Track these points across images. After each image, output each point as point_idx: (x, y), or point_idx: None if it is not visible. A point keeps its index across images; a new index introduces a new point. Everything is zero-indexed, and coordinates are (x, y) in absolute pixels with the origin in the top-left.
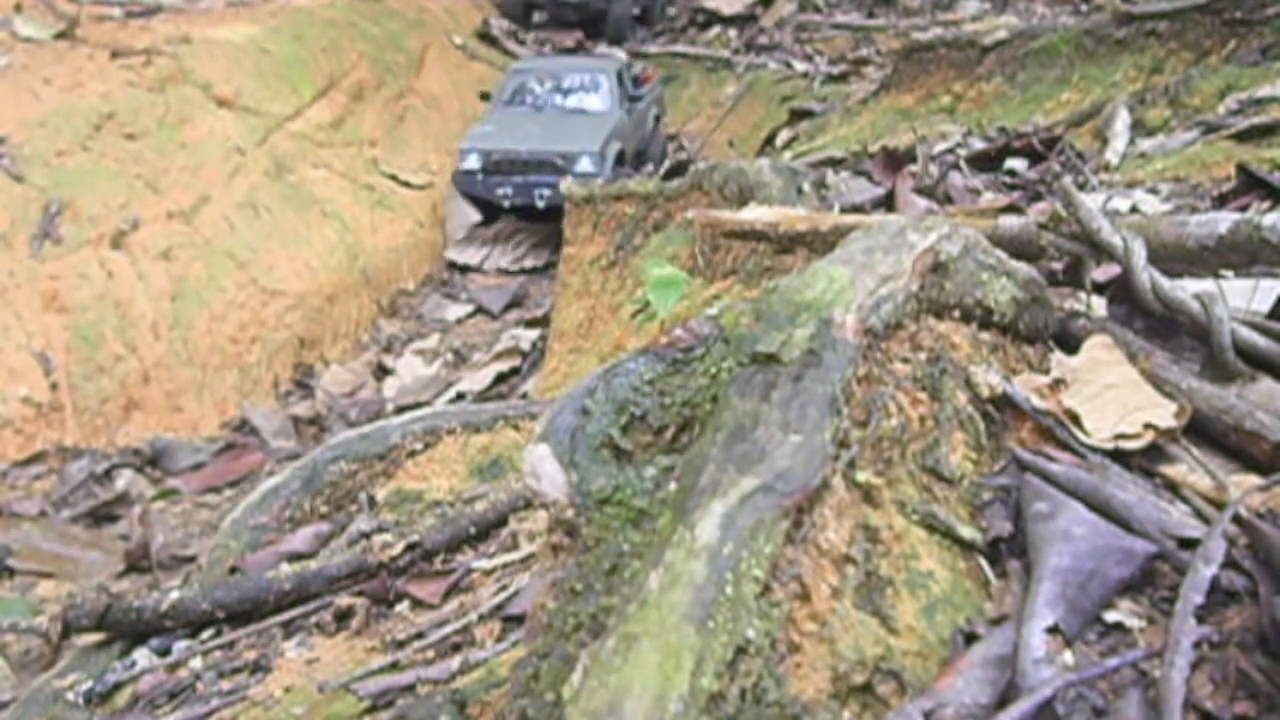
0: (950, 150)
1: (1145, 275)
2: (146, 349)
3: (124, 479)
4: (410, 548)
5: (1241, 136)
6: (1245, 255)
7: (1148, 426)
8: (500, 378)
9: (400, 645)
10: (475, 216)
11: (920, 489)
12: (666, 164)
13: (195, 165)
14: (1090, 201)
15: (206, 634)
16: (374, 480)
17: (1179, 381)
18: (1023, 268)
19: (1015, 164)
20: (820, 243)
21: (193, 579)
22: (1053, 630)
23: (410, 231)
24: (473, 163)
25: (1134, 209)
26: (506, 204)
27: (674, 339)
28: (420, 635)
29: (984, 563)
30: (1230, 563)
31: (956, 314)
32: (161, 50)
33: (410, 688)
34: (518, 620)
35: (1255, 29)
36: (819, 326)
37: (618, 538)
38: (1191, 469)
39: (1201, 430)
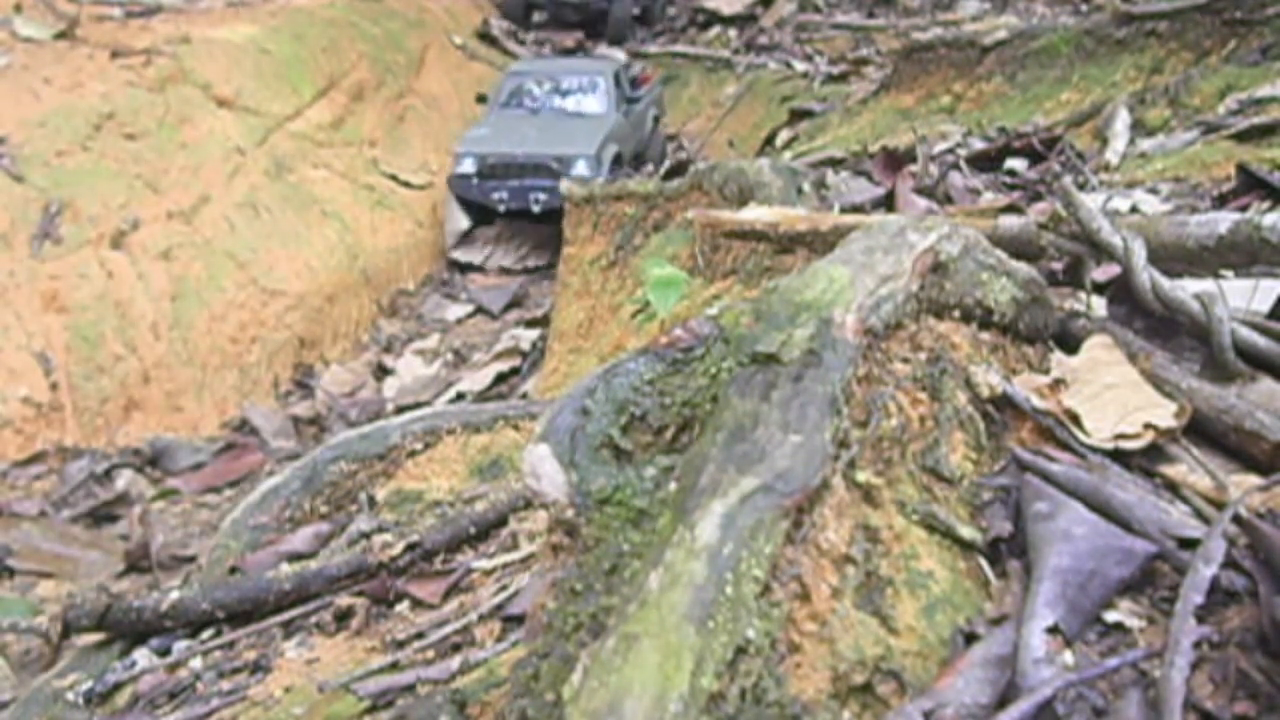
0: (950, 150)
1: (1145, 275)
2: (146, 349)
3: (124, 479)
4: (410, 548)
5: (1241, 136)
6: (1245, 255)
7: (1148, 426)
8: (500, 378)
9: (400, 645)
10: (465, 223)
11: (920, 489)
12: (666, 165)
13: (195, 165)
14: (1090, 201)
15: (206, 634)
16: (374, 480)
17: (1179, 381)
18: (1023, 268)
19: (1015, 164)
20: (820, 243)
21: (193, 579)
22: (1053, 630)
23: (410, 231)
24: (468, 166)
25: (1134, 209)
26: (502, 208)
27: (674, 339)
28: (420, 635)
29: (984, 563)
30: (1230, 563)
31: (956, 314)
32: (161, 50)
33: (410, 688)
34: (518, 620)
35: (1255, 29)
36: (819, 326)
37: (618, 538)
38: (1191, 469)
39: (1201, 430)
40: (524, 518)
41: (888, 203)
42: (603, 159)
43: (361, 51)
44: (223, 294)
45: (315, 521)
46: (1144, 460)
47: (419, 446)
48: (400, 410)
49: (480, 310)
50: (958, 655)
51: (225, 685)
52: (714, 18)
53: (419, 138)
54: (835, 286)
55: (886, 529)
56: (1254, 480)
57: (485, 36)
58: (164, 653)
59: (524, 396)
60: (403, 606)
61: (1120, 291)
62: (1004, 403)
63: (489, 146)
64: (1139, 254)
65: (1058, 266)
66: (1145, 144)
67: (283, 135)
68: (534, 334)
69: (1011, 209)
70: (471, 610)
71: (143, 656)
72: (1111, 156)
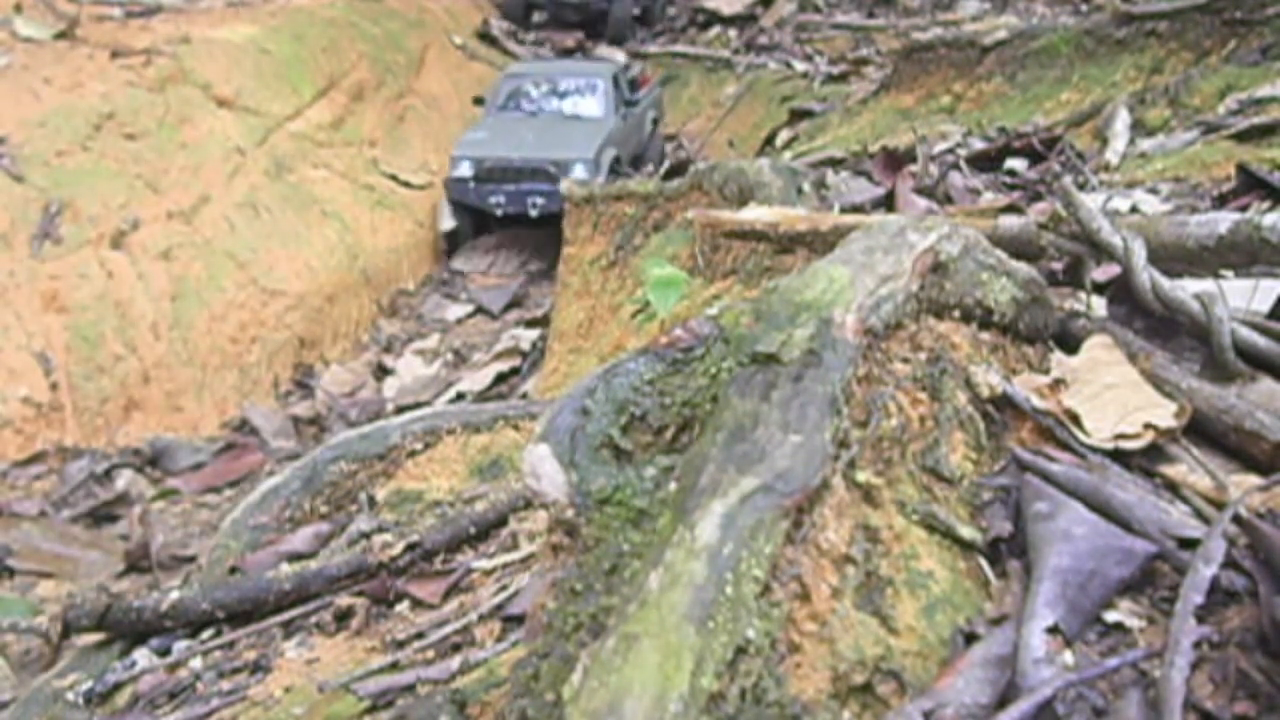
0: (950, 150)
1: (1145, 275)
2: (146, 349)
3: (124, 479)
4: (410, 548)
5: (1241, 136)
6: (1245, 255)
7: (1148, 426)
8: (500, 378)
9: (400, 645)
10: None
11: (920, 489)
12: (666, 166)
13: (195, 165)
14: (1090, 201)
15: (206, 634)
16: (374, 480)
17: (1179, 381)
18: (1023, 268)
19: (1015, 164)
20: (820, 243)
21: (193, 579)
22: (1053, 630)
23: (410, 231)
24: (465, 170)
25: (1134, 209)
26: (499, 212)
27: (674, 339)
28: (420, 635)
29: (984, 563)
30: (1230, 563)
31: (956, 314)
32: (161, 50)
33: (410, 688)
34: (518, 620)
35: (1255, 29)
36: (819, 326)
37: (618, 538)
38: (1191, 469)
39: (1201, 430)
40: (524, 518)
41: (888, 203)
42: (601, 163)
43: (361, 51)
44: (223, 294)
45: (315, 521)
46: (1144, 460)
47: (419, 446)
48: (400, 410)
49: (480, 310)
50: (958, 655)
51: (225, 685)
52: (714, 18)
53: (419, 138)
54: (835, 286)
55: (886, 529)
56: (1254, 480)
57: (485, 36)
58: (164, 653)
59: (524, 396)
60: (403, 606)
61: (1120, 291)
62: (1004, 403)
63: (486, 150)
64: (1139, 254)
65: (1058, 266)
66: (1145, 144)
67: (283, 135)
68: (534, 334)
69: (1011, 209)
70: (471, 610)
71: (143, 656)
72: (1111, 156)
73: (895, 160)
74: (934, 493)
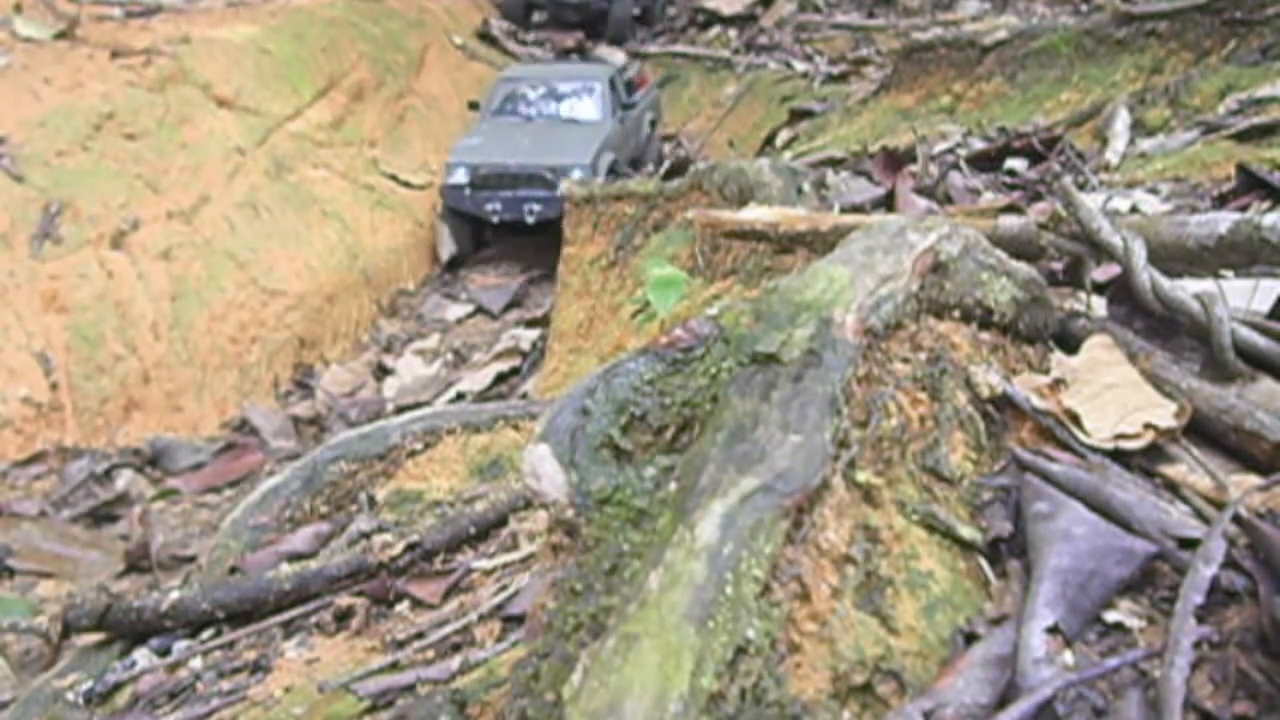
0: (950, 150)
1: (1145, 275)
2: (146, 349)
3: (124, 479)
4: (410, 548)
5: (1241, 136)
6: (1245, 255)
7: (1148, 426)
8: (500, 378)
9: (400, 645)
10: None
11: (920, 489)
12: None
13: (195, 165)
14: (1090, 201)
15: (206, 634)
16: (374, 480)
17: (1179, 381)
18: (1023, 268)
19: (1015, 164)
20: (820, 243)
21: (193, 579)
22: (1053, 630)
23: (410, 231)
24: (460, 177)
25: (1134, 209)
26: (495, 219)
27: (674, 339)
28: (420, 635)
29: (984, 563)
30: (1230, 563)
31: (956, 314)
32: (161, 50)
33: (410, 688)
34: (518, 620)
35: (1255, 29)
36: (819, 326)
37: (618, 538)
38: (1191, 469)
39: (1201, 430)
40: (524, 518)
41: (888, 203)
42: (598, 167)
43: (361, 51)
44: (223, 294)
45: (315, 521)
46: (1144, 460)
47: (419, 446)
48: (400, 410)
49: (480, 310)
50: (958, 655)
51: (225, 685)
52: (714, 18)
53: (419, 138)
54: (835, 286)
55: (886, 529)
56: (1254, 480)
57: (485, 36)
58: (164, 653)
59: (524, 396)
60: (403, 606)
61: (1120, 291)
62: (1004, 403)
63: (481, 156)
64: (1139, 254)
65: (1058, 266)
66: (1145, 144)
67: (283, 135)
68: (534, 334)
69: (1011, 209)
70: (471, 610)
71: (143, 656)
72: (1111, 156)
73: (895, 160)
74: (934, 493)
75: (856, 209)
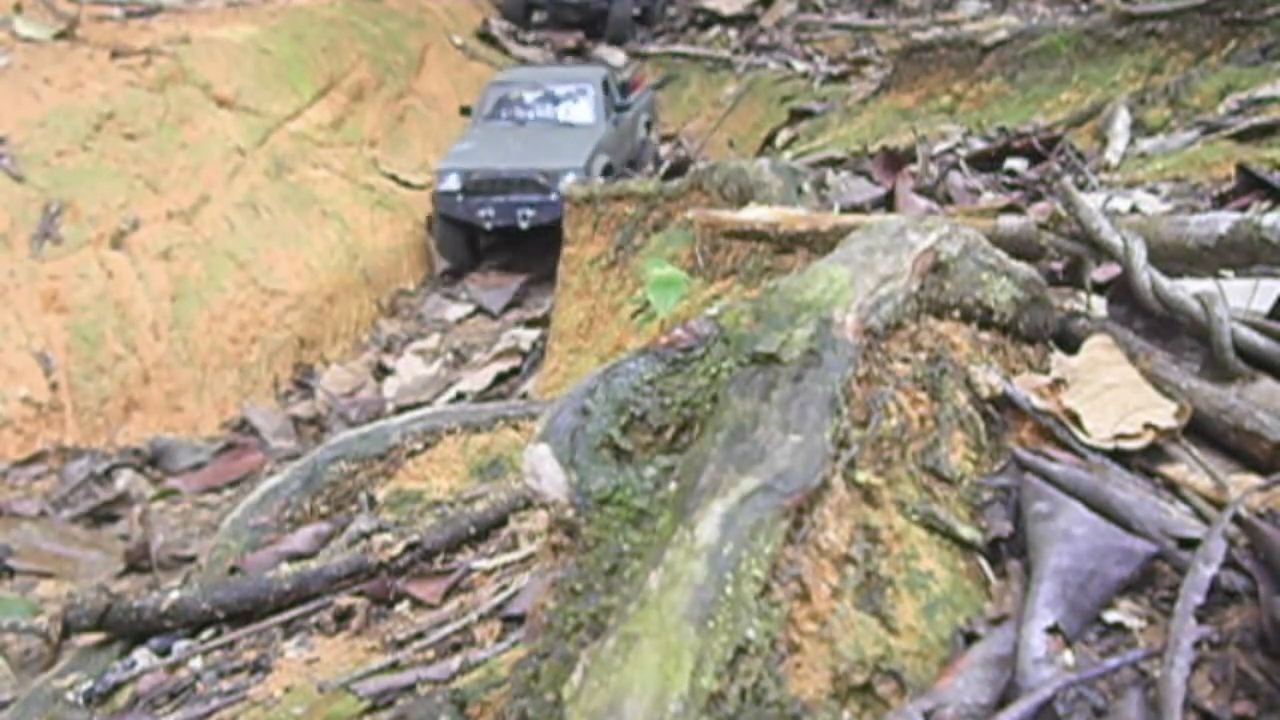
0: (950, 150)
1: (1145, 275)
2: (146, 349)
3: (124, 479)
4: (410, 548)
5: (1241, 136)
6: (1245, 255)
7: (1148, 426)
8: (500, 378)
9: (400, 645)
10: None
11: (920, 489)
12: (665, 167)
13: (195, 165)
14: (1090, 201)
15: (206, 634)
16: (374, 480)
17: (1179, 381)
18: (1023, 268)
19: (1015, 164)
20: (820, 243)
21: (193, 579)
22: (1053, 630)
23: (410, 231)
24: (452, 183)
25: (1134, 209)
26: (488, 225)
27: (674, 339)
28: (420, 635)
29: (984, 563)
30: (1230, 563)
31: (956, 314)
32: (161, 50)
33: (410, 688)
34: (518, 620)
35: (1255, 29)
36: (819, 326)
37: (618, 538)
38: (1191, 469)
39: (1201, 430)
40: (524, 518)
41: (888, 203)
42: (592, 170)
43: (361, 51)
44: (223, 294)
45: (315, 521)
46: (1144, 460)
47: (419, 446)
48: (400, 410)
49: (480, 310)
50: (958, 655)
51: (225, 685)
52: (714, 18)
53: (419, 138)
54: (835, 286)
55: (886, 529)
56: (1254, 480)
57: (485, 36)
58: (164, 653)
59: (524, 396)
60: (403, 606)
61: (1120, 291)
62: (1004, 403)
63: (473, 162)
64: (1139, 254)
65: (1058, 266)
66: (1145, 144)
67: (283, 135)
68: (534, 334)
69: (1011, 209)
70: (471, 610)
71: (143, 656)
72: (1111, 156)
73: (895, 160)
74: (934, 493)
75: (856, 209)
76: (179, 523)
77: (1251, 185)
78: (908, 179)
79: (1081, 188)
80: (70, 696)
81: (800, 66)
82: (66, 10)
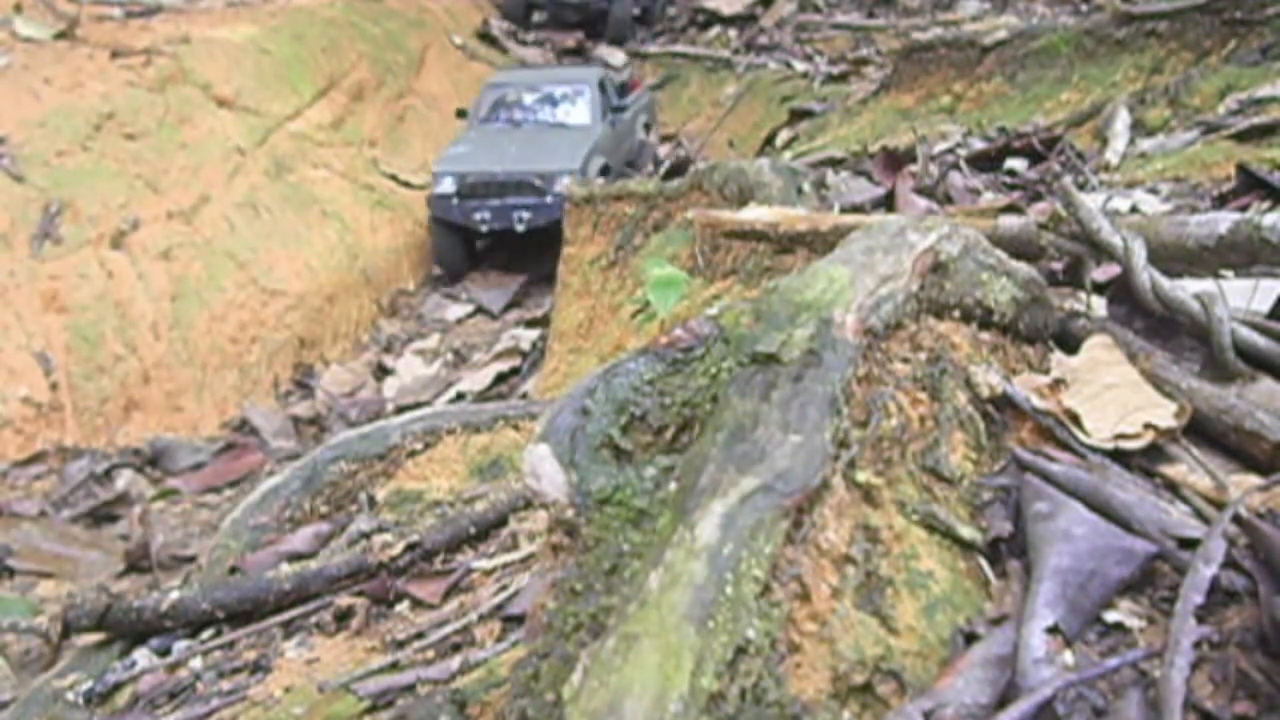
0: (950, 150)
1: (1145, 275)
2: (146, 349)
3: (124, 479)
4: (410, 548)
5: (1241, 136)
6: (1245, 255)
7: (1148, 426)
8: (500, 378)
9: (400, 645)
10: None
11: (920, 489)
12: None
13: (195, 165)
14: (1090, 201)
15: (206, 634)
16: (374, 480)
17: (1179, 381)
18: (1023, 268)
19: (1015, 164)
20: (820, 243)
21: (193, 579)
22: (1053, 630)
23: (410, 231)
24: (447, 186)
25: (1134, 209)
26: (484, 229)
27: (674, 339)
28: (420, 635)
29: (984, 563)
30: (1230, 563)
31: (956, 314)
32: (161, 50)
33: (410, 688)
34: (518, 620)
35: (1255, 29)
36: (819, 326)
37: (618, 538)
38: (1191, 469)
39: (1201, 430)
40: (524, 518)
41: (888, 203)
42: (588, 172)
43: (361, 51)
44: (223, 294)
45: (315, 521)
46: (1144, 460)
47: (419, 446)
48: (400, 410)
49: (480, 310)
50: (958, 655)
51: (225, 685)
52: (714, 18)
53: (419, 138)
54: (835, 286)
55: (886, 529)
56: (1254, 480)
57: (485, 36)
58: (164, 653)
59: (524, 396)
60: (403, 606)
61: (1120, 291)
62: (1004, 403)
63: (468, 165)
64: (1139, 254)
65: (1058, 266)
66: (1145, 144)
67: (283, 135)
68: (534, 334)
69: (1011, 209)
70: (471, 610)
71: (143, 656)
72: (1111, 156)
73: (895, 160)
74: (934, 493)
75: (856, 209)
76: (179, 523)
77: (1251, 185)
78: (908, 179)
79: (1081, 188)
80: (70, 696)
81: (800, 66)
82: (66, 10)
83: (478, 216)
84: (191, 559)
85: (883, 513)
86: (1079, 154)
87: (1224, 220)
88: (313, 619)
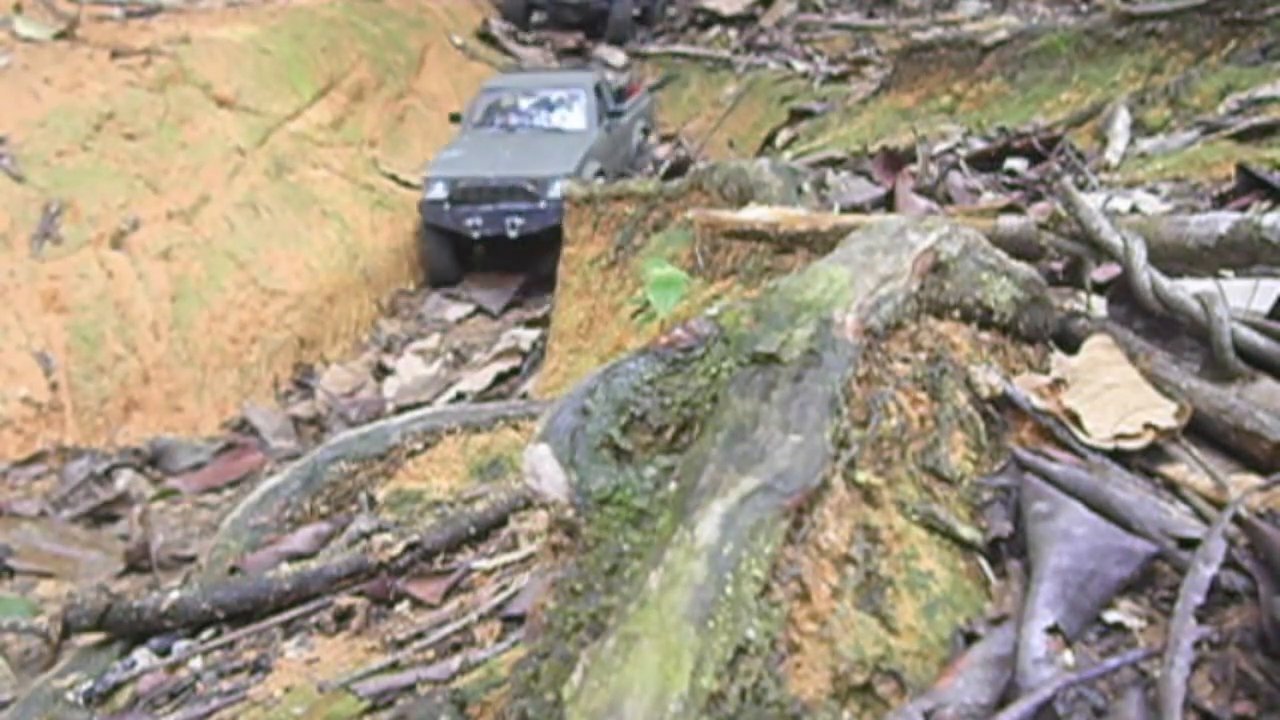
0: (950, 150)
1: (1145, 275)
2: (146, 349)
3: (124, 479)
4: (410, 548)
5: (1241, 136)
6: (1245, 255)
7: (1148, 426)
8: (500, 378)
9: (400, 645)
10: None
11: (920, 489)
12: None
13: (195, 165)
14: (1090, 201)
15: (206, 634)
16: (374, 480)
17: (1179, 381)
18: (1023, 268)
19: (1015, 164)
20: (820, 243)
21: (193, 579)
22: (1053, 630)
23: (410, 231)
24: (439, 192)
25: (1134, 209)
26: (476, 235)
27: (674, 339)
28: (420, 635)
29: (984, 563)
30: (1230, 563)
31: (956, 314)
32: (161, 50)
33: (410, 688)
34: (518, 620)
35: (1255, 29)
36: (819, 326)
37: (618, 538)
38: (1191, 469)
39: (1201, 430)
40: (524, 518)
41: (888, 203)
42: (583, 178)
43: (361, 51)
44: (223, 294)
45: (315, 521)
46: (1144, 460)
47: (419, 446)
48: (400, 410)
49: (480, 310)
50: (958, 655)
51: (225, 685)
52: (714, 18)
53: (419, 138)
54: (835, 286)
55: (886, 529)
56: (1254, 480)
57: (485, 36)
58: (164, 653)
59: (524, 396)
60: (403, 606)
61: (1120, 291)
62: (1004, 403)
63: (460, 170)
64: (1139, 254)
65: (1058, 266)
66: (1145, 144)
67: (283, 135)
68: (534, 334)
69: (1011, 209)
70: (471, 610)
71: (143, 656)
72: (1111, 156)
73: (895, 160)
74: (934, 493)
75: (856, 209)
76: (179, 523)
77: (1251, 185)
78: (908, 179)
79: (1081, 188)
80: (70, 696)
81: (800, 66)
82: (66, 10)
83: (469, 222)
84: (191, 559)
85: (883, 513)
86: (1079, 154)
87: (1224, 220)
88: (313, 619)
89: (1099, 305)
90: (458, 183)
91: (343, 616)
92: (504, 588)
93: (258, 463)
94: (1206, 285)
